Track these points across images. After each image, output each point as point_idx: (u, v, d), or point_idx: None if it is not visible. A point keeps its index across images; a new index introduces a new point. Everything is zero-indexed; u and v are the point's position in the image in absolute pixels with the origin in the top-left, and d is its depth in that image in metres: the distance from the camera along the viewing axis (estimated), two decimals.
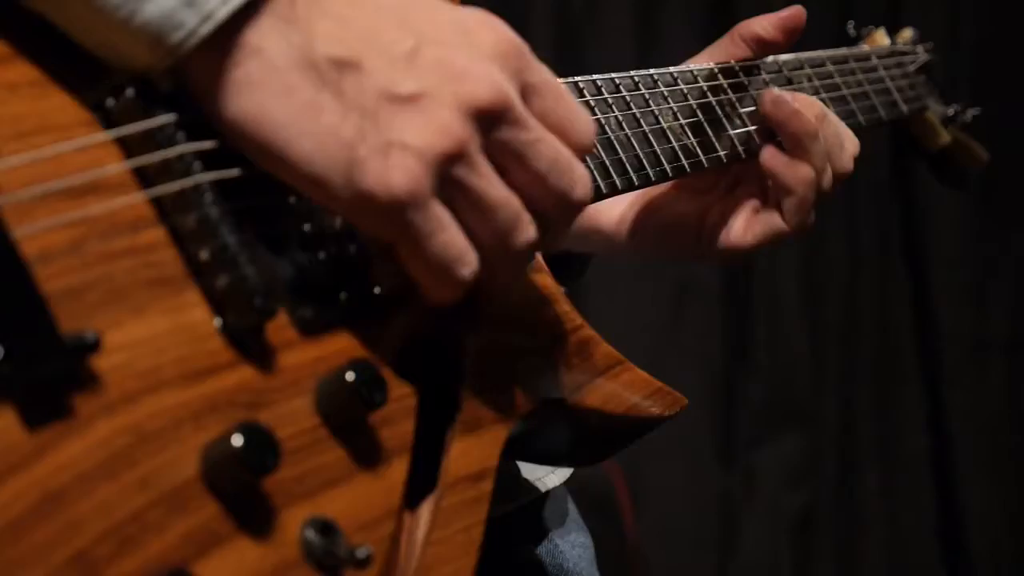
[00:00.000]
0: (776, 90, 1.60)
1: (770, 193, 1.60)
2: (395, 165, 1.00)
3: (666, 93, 1.50)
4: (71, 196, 0.95)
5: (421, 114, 1.01)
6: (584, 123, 1.11)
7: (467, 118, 1.02)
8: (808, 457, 3.73)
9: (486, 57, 1.05)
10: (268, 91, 0.98)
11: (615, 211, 1.66)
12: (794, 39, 1.68)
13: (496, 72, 1.04)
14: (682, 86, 1.53)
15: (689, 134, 1.50)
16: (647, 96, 1.47)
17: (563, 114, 1.10)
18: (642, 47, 3.47)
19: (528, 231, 1.08)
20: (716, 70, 1.59)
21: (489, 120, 1.04)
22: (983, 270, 3.64)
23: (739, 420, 3.69)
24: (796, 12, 1.66)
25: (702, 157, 1.51)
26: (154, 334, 0.95)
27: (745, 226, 1.59)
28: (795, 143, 1.57)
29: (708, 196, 1.63)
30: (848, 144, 1.66)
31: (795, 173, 1.57)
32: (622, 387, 1.29)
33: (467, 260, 1.05)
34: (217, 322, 0.99)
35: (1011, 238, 3.61)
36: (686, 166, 1.48)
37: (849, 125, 1.76)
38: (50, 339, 0.87)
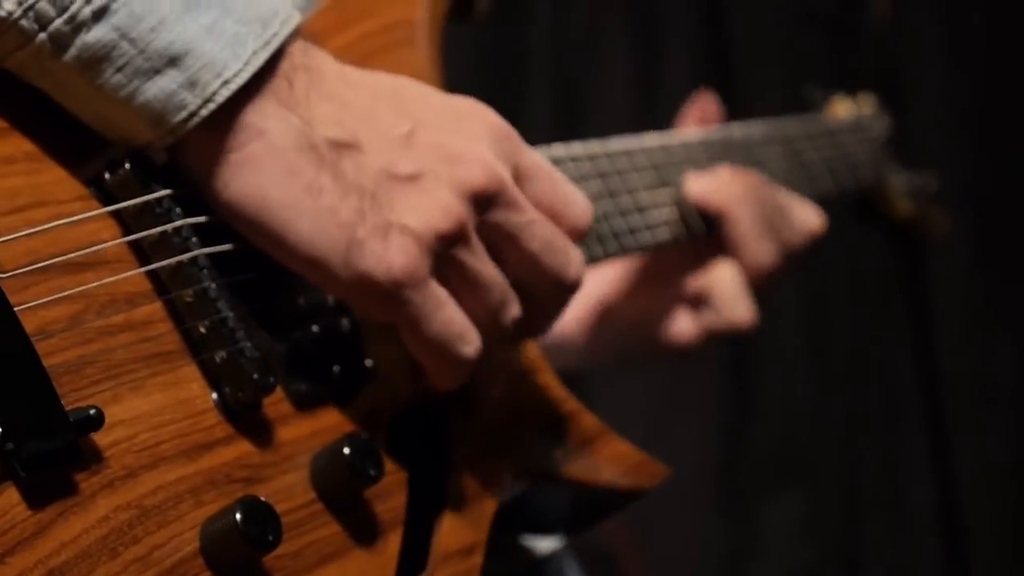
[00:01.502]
0: (692, 175, 1.57)
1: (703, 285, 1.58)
2: (394, 246, 1.01)
3: (637, 164, 1.51)
4: (69, 271, 0.94)
5: (420, 194, 1.02)
6: (580, 205, 1.13)
7: (464, 199, 1.04)
8: (814, 511, 3.72)
9: (479, 141, 1.06)
10: (269, 172, 0.99)
11: (569, 321, 1.62)
12: (713, 120, 1.71)
13: (489, 155, 1.06)
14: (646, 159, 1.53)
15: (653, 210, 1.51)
16: (619, 170, 1.47)
17: (557, 197, 1.11)
18: (641, 103, 3.48)
19: (514, 308, 1.10)
20: (664, 144, 1.58)
21: (484, 201, 1.05)
22: (988, 318, 3.66)
23: (743, 475, 3.68)
24: (706, 103, 1.70)
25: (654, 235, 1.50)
26: (152, 409, 0.95)
27: (685, 323, 1.59)
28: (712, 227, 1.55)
29: (654, 289, 1.61)
30: (797, 215, 1.65)
31: (716, 265, 1.56)
32: (606, 460, 1.29)
33: (469, 337, 1.06)
34: (214, 396, 0.99)
35: (1016, 285, 3.63)
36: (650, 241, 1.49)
37: (812, 194, 1.78)
38: (55, 416, 0.87)
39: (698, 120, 1.72)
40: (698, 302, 1.58)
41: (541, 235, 1.09)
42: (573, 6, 3.38)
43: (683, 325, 1.59)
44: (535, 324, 1.16)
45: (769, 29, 3.54)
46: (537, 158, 1.12)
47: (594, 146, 1.43)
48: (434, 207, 1.02)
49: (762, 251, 1.56)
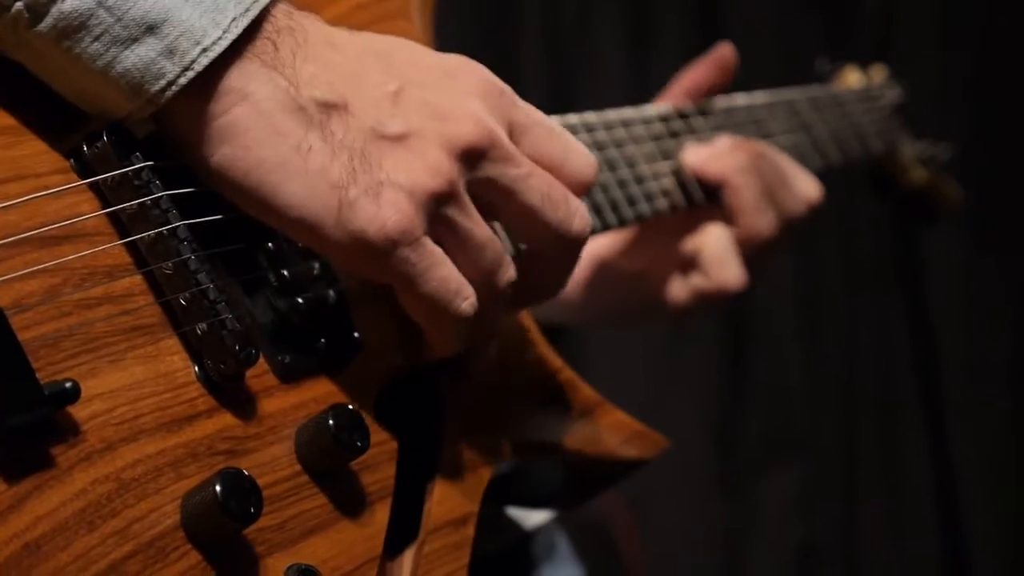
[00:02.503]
0: (690, 146, 1.57)
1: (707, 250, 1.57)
2: (387, 204, 0.99)
3: (633, 135, 1.49)
4: (46, 244, 0.94)
5: (409, 153, 1.01)
6: (581, 157, 1.11)
7: (453, 157, 1.02)
8: (810, 489, 3.71)
9: (469, 97, 1.05)
10: (256, 135, 0.98)
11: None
12: (729, 76, 1.66)
13: (480, 110, 1.04)
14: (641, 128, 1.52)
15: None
16: (620, 139, 1.46)
17: (556, 150, 1.10)
18: (631, 83, 3.47)
19: (509, 270, 1.08)
20: (663, 114, 1.57)
21: (475, 157, 1.04)
22: (983, 296, 3.64)
23: (739, 453, 3.67)
24: (724, 51, 1.65)
25: (648, 206, 1.49)
26: (132, 382, 0.94)
27: (678, 287, 1.58)
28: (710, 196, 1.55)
29: (652, 252, 1.60)
30: (798, 185, 1.63)
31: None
32: (603, 430, 1.28)
33: (466, 292, 1.05)
34: (196, 369, 0.98)
35: (1012, 264, 3.61)
36: (657, 209, 1.48)
37: (822, 164, 1.76)
38: (30, 389, 0.86)
39: (711, 72, 1.66)
40: (689, 265, 1.57)
41: (538, 187, 1.07)
42: None
43: (677, 288, 1.58)
44: (545, 285, 1.15)
45: (763, 8, 3.53)
46: (533, 112, 1.10)
47: (590, 116, 1.42)
48: (424, 166, 1.01)
49: (761, 221, 1.55)
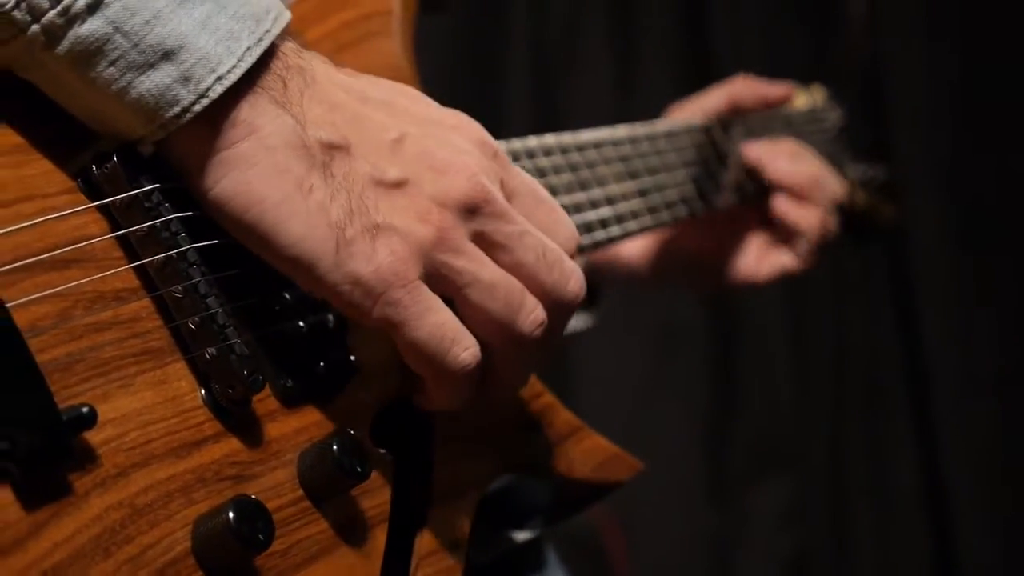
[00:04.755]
0: (767, 145, 1.78)
1: (779, 233, 1.77)
2: (382, 246, 1.00)
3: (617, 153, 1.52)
4: (56, 267, 0.93)
5: (405, 199, 1.02)
6: (566, 226, 1.12)
7: (448, 208, 1.03)
8: (799, 498, 3.73)
9: (467, 153, 1.06)
10: (260, 170, 0.97)
11: (634, 246, 1.80)
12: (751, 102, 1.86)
13: (476, 167, 1.05)
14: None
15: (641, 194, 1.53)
16: (589, 162, 1.47)
17: (544, 216, 1.10)
18: (619, 94, 3.48)
19: (536, 311, 1.07)
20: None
21: (471, 211, 1.04)
22: (970, 303, 3.67)
23: (729, 462, 3.68)
24: (787, 94, 1.86)
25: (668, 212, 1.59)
26: (142, 407, 0.94)
27: (757, 262, 1.77)
28: (806, 191, 1.75)
29: (718, 230, 1.78)
30: (830, 183, 1.84)
31: (807, 219, 1.75)
32: (581, 454, 1.29)
33: (465, 342, 1.04)
34: (202, 393, 0.98)
35: (998, 269, 3.64)
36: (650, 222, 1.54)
37: None
38: (48, 414, 0.86)
39: (731, 102, 1.84)
40: (769, 246, 1.79)
41: (534, 246, 1.07)
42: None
43: (752, 264, 1.79)
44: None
45: (748, 16, 3.55)
46: (523, 175, 1.11)
47: (566, 138, 1.43)
48: (418, 213, 1.02)
49: (806, 215, 1.76)
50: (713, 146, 1.72)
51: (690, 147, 1.67)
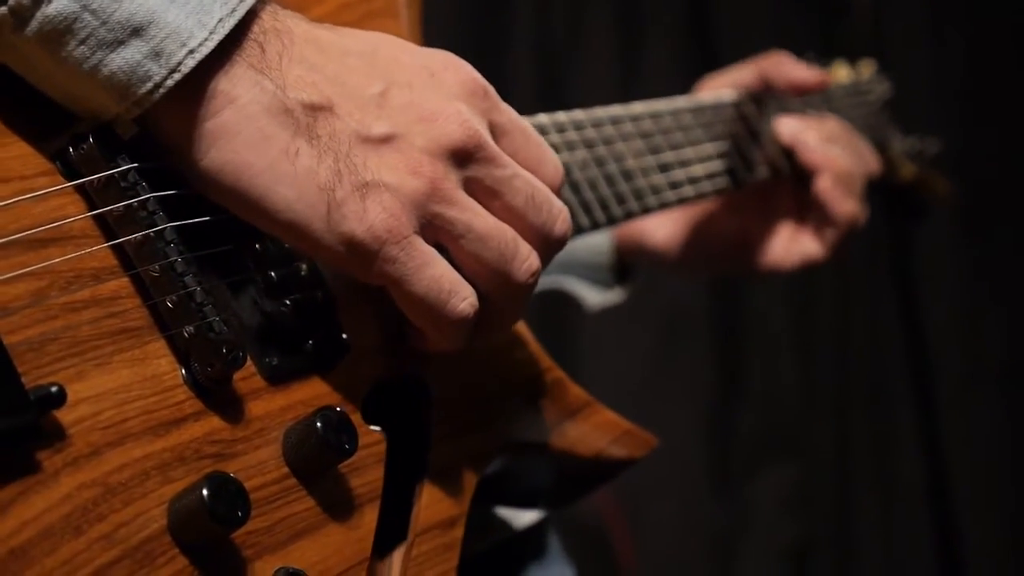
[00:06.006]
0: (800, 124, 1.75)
1: (809, 218, 1.74)
2: (373, 204, 0.99)
3: (644, 129, 1.50)
4: (32, 247, 0.93)
5: (394, 154, 1.01)
6: (552, 163, 1.11)
7: (439, 157, 1.02)
8: (802, 487, 3.71)
9: (454, 97, 1.05)
10: (244, 139, 0.97)
11: (662, 230, 1.79)
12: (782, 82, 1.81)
13: (465, 111, 1.04)
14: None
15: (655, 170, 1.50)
16: (612, 135, 1.46)
17: (532, 153, 1.10)
18: (624, 77, 3.47)
19: (531, 259, 1.08)
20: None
21: (462, 158, 1.04)
22: (976, 292, 3.64)
23: (732, 451, 3.67)
24: (819, 82, 1.81)
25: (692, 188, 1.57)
26: (118, 386, 0.93)
27: (785, 249, 1.75)
28: (841, 180, 1.72)
29: (746, 215, 1.75)
30: (868, 155, 1.84)
31: (844, 209, 1.72)
32: (592, 429, 1.27)
33: (463, 293, 1.04)
34: (182, 372, 0.97)
35: (1004, 259, 3.61)
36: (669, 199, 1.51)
37: None
38: (15, 393, 0.86)
39: (762, 79, 1.80)
40: (797, 233, 1.77)
41: (523, 189, 1.07)
42: None
43: (780, 250, 1.76)
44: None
45: (755, 6, 3.52)
46: (512, 113, 1.10)
47: (579, 114, 1.42)
48: (409, 166, 1.01)
49: (846, 203, 1.73)
50: (743, 120, 1.69)
51: (718, 122, 1.64)
